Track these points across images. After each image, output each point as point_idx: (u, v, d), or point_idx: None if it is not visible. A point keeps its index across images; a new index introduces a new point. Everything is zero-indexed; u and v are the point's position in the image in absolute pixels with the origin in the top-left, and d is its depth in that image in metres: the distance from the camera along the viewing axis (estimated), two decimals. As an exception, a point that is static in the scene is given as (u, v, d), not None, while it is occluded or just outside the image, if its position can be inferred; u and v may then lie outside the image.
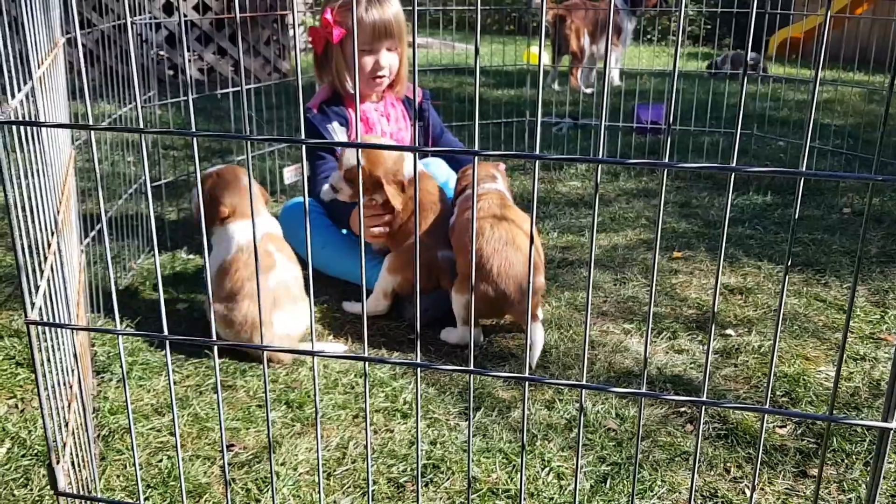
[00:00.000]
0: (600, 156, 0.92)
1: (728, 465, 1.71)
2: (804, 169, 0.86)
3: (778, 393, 1.99)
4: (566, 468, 1.69)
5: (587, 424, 1.84)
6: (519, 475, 1.65)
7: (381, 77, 2.68)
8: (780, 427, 1.85)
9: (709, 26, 10.32)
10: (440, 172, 2.83)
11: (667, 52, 9.39)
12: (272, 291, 2.11)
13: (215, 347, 1.08)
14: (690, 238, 3.06)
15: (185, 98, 3.51)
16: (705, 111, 4.41)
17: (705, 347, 2.21)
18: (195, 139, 0.95)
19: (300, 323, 2.17)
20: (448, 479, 1.64)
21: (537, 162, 0.90)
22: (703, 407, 0.96)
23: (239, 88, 3.37)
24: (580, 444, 0.95)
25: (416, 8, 0.90)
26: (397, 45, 2.67)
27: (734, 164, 0.84)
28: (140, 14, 3.15)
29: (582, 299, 2.52)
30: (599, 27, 6.27)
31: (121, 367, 2.00)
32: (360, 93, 2.76)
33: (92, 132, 1.07)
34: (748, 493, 1.62)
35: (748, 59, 0.93)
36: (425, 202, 2.36)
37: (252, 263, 2.10)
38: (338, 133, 2.75)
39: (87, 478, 1.47)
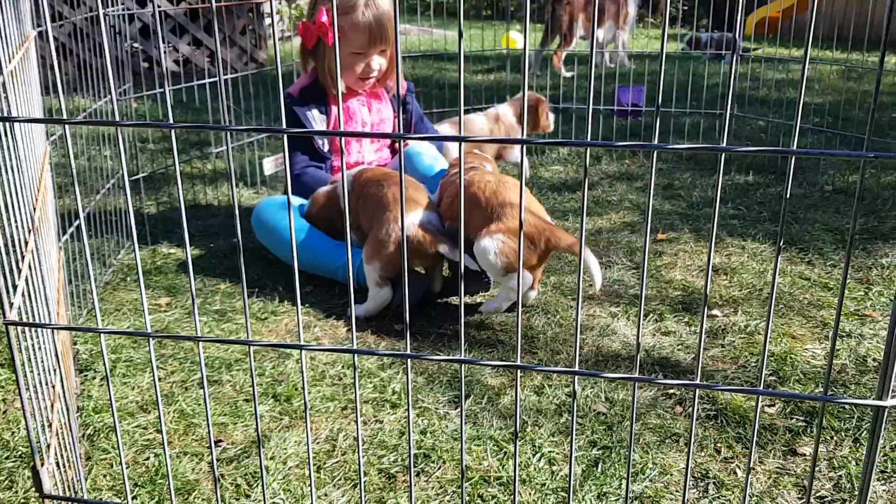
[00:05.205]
0: (587, 139, 0.90)
1: (718, 445, 1.71)
2: (789, 148, 0.85)
3: (765, 372, 2.00)
4: (557, 453, 1.68)
5: (577, 408, 1.84)
6: (511, 462, 1.65)
7: (370, 78, 2.73)
8: (769, 406, 1.85)
9: (686, 7, 10.32)
10: (430, 153, 2.83)
11: (645, 35, 9.38)
12: None
13: (199, 344, 1.06)
14: (674, 220, 3.06)
15: (162, 90, 3.47)
16: (685, 92, 4.41)
17: (693, 329, 2.22)
18: (173, 131, 0.92)
19: None
20: (439, 467, 1.63)
21: (524, 147, 0.89)
22: (696, 389, 0.96)
23: (216, 79, 3.32)
24: (573, 430, 0.95)
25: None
26: (388, 46, 2.70)
27: (724, 145, 0.83)
28: (113, 6, 3.10)
29: (568, 283, 2.51)
30: (602, 12, 6.33)
31: (104, 365, 1.97)
32: (347, 90, 2.77)
33: (67, 126, 1.04)
34: (739, 473, 1.63)
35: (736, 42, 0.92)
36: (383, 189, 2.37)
37: None
38: (317, 121, 2.73)
39: (72, 478, 1.45)
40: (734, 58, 0.84)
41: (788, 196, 2.99)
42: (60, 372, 1.42)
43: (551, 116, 3.54)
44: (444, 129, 3.36)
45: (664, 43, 0.85)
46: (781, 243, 0.72)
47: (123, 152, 1.00)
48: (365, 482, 1.59)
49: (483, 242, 2.19)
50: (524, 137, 0.89)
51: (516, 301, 1.07)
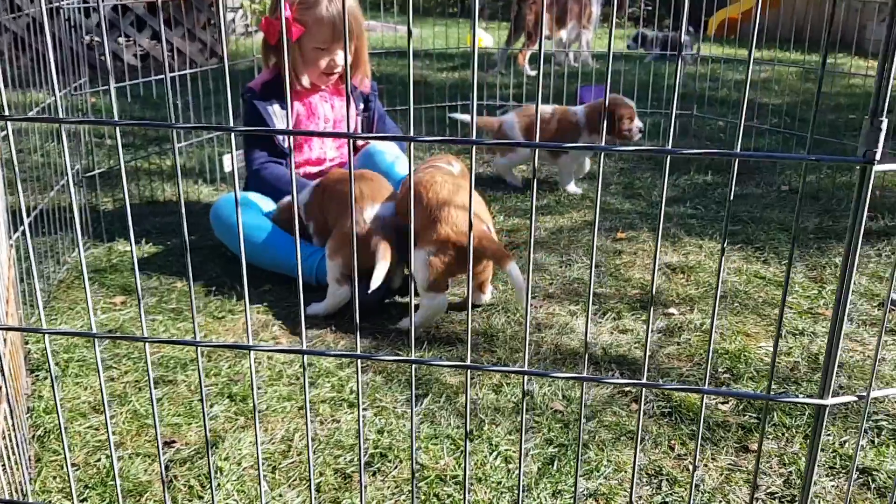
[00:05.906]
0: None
1: (672, 442, 1.73)
2: (739, 149, 0.86)
3: (720, 370, 2.02)
4: (514, 452, 1.69)
5: (534, 406, 1.85)
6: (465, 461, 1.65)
7: (334, 74, 2.73)
8: (723, 403, 1.88)
9: (649, 7, 10.41)
10: (391, 151, 2.84)
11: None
12: None
13: (147, 344, 1.05)
14: (634, 219, 3.09)
15: (116, 85, 3.42)
16: (647, 92, 4.45)
17: (651, 327, 2.24)
18: (117, 128, 0.91)
19: None
20: (396, 467, 1.63)
21: (474, 147, 0.89)
22: (644, 389, 0.96)
23: (174, 74, 3.28)
24: (523, 429, 0.95)
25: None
26: (352, 41, 2.70)
27: (670, 147, 0.84)
28: (68, -2, 3.03)
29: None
30: (566, 12, 6.37)
31: (48, 365, 1.94)
32: (311, 86, 2.76)
33: (9, 123, 1.02)
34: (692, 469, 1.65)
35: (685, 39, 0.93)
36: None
37: None
38: (278, 116, 2.71)
39: (19, 481, 1.42)
40: (679, 59, 0.85)
41: (745, 196, 2.99)
42: (5, 372, 1.39)
43: (637, 124, 3.25)
44: (511, 116, 3.44)
45: (611, 42, 0.86)
46: (726, 243, 0.73)
47: (67, 149, 0.98)
48: (320, 482, 1.58)
49: (413, 255, 2.18)
50: (475, 138, 0.89)
51: (466, 301, 1.07)
